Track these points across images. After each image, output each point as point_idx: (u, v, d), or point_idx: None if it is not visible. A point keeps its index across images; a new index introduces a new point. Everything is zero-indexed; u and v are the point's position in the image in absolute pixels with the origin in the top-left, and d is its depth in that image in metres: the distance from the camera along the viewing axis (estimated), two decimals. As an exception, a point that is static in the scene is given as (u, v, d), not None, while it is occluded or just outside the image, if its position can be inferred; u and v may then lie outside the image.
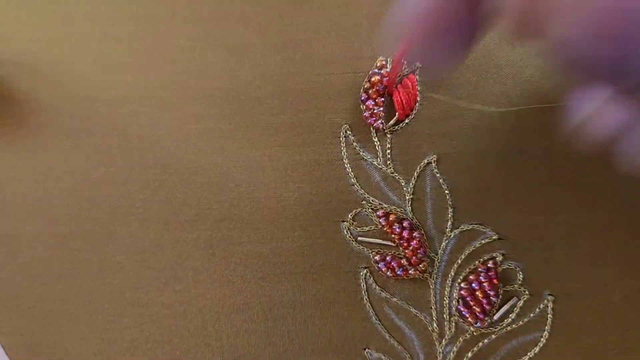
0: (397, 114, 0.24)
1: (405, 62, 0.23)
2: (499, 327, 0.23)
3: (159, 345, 0.25)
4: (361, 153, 0.24)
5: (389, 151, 0.24)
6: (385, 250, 0.24)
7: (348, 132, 0.24)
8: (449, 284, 0.24)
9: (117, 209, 0.25)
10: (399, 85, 0.23)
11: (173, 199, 0.25)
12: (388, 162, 0.24)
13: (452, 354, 0.24)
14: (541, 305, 0.23)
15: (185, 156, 0.24)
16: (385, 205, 0.24)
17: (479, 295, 0.23)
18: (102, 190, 0.25)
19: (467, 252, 0.23)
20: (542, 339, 0.23)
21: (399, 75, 0.23)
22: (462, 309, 0.23)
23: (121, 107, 0.25)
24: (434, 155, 0.24)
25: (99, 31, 0.25)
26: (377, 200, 0.24)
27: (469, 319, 0.23)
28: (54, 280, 0.25)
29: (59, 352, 0.25)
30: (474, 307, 0.23)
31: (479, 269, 0.23)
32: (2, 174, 0.25)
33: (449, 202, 0.24)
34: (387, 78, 0.23)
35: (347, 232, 0.24)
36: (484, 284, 0.23)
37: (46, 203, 0.25)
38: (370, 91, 0.23)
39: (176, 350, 0.25)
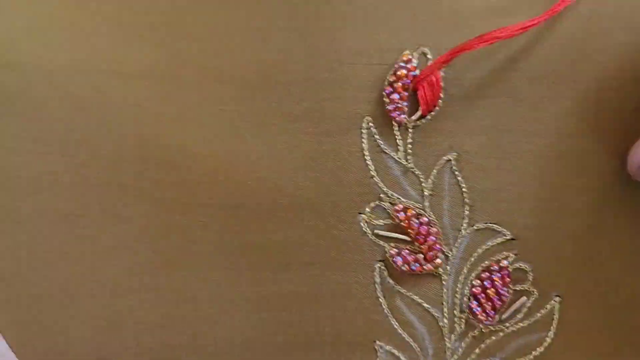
0: (420, 109, 0.24)
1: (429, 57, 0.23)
2: (507, 325, 0.24)
3: (164, 330, 0.24)
4: (382, 146, 0.24)
5: (410, 146, 0.24)
6: (401, 245, 0.24)
7: (370, 124, 0.24)
8: (462, 281, 0.24)
9: (127, 188, 0.24)
10: (424, 81, 0.23)
11: (186, 181, 0.24)
12: (408, 156, 0.24)
13: (460, 349, 0.24)
14: (548, 306, 0.24)
15: (201, 138, 0.24)
16: (404, 200, 0.24)
17: (491, 293, 0.24)
18: (111, 168, 0.24)
19: (480, 250, 0.24)
20: (547, 339, 0.24)
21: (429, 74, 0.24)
22: (473, 305, 0.24)
23: (137, 83, 0.24)
24: (454, 153, 0.24)
25: (117, 1, 0.24)
26: (395, 194, 0.24)
27: (480, 316, 0.24)
28: (56, 258, 0.24)
29: (58, 332, 0.24)
30: (485, 304, 0.24)
31: (492, 268, 0.24)
32: (3, 144, 0.24)
33: (466, 200, 0.24)
34: (414, 73, 0.23)
35: (364, 224, 0.24)
36: (496, 282, 0.24)
37: (51, 177, 0.24)
38: (395, 84, 0.23)
39: (182, 335, 0.24)
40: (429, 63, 0.24)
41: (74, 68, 0.24)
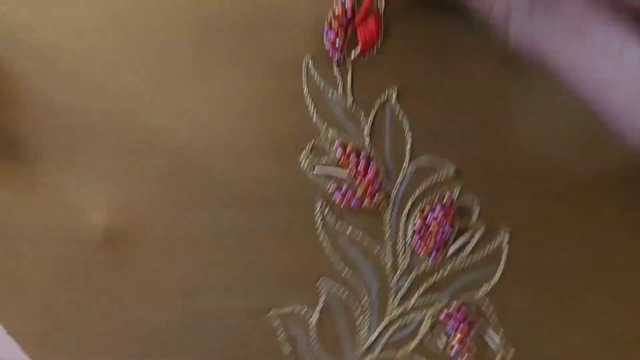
0: (359, 46, 0.24)
1: None
2: (454, 261, 0.23)
3: (111, 270, 0.25)
4: (322, 85, 0.24)
5: (350, 84, 0.24)
6: (341, 182, 0.24)
7: (310, 63, 0.24)
8: (405, 217, 0.24)
9: (78, 137, 0.25)
10: (362, 19, 0.23)
11: (132, 129, 0.25)
12: (348, 94, 0.24)
13: (405, 286, 0.23)
14: (496, 240, 0.23)
15: (146, 86, 0.24)
16: (344, 137, 0.24)
17: (434, 228, 0.23)
18: (64, 118, 0.25)
19: (423, 185, 0.23)
20: (496, 274, 0.23)
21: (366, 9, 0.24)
22: (416, 241, 0.23)
23: (92, 35, 0.25)
24: (395, 89, 0.24)
25: None
26: (335, 132, 0.24)
27: (423, 252, 0.23)
28: (10, 203, 0.25)
29: (17, 276, 0.25)
30: (428, 240, 0.23)
31: (435, 203, 0.23)
32: None
33: (408, 137, 0.24)
34: (353, 11, 0.23)
35: (304, 162, 0.24)
36: (440, 217, 0.23)
37: (9, 125, 0.25)
38: (333, 23, 0.24)
39: (129, 276, 0.24)
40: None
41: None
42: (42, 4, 0.25)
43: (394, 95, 0.23)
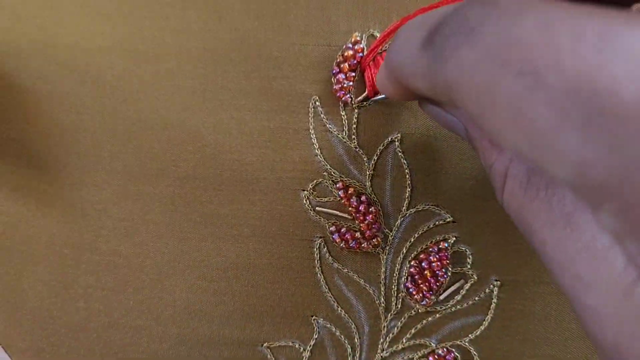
0: (366, 90, 0.24)
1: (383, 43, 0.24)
2: (444, 307, 0.24)
3: (112, 293, 0.25)
4: (327, 125, 0.24)
5: (354, 126, 0.24)
6: (341, 222, 0.24)
7: (317, 103, 0.24)
8: (400, 261, 0.24)
9: (85, 156, 0.25)
10: (371, 63, 0.24)
11: (140, 152, 0.25)
12: (353, 136, 0.24)
13: (396, 328, 0.24)
14: (487, 289, 0.24)
15: (156, 111, 0.25)
16: (346, 179, 0.24)
17: (428, 274, 0.24)
18: (71, 136, 0.25)
19: (420, 231, 0.24)
20: (484, 322, 0.24)
21: (374, 54, 0.24)
22: (409, 285, 0.24)
23: (98, 57, 0.25)
24: (398, 134, 0.24)
25: None
26: (338, 173, 0.24)
27: (416, 297, 0.24)
28: (17, 220, 0.25)
29: (15, 291, 0.25)
30: (422, 285, 0.24)
31: (431, 249, 0.24)
32: None
33: (408, 182, 0.24)
34: (361, 54, 0.24)
35: (306, 200, 0.24)
36: (434, 263, 0.24)
37: (17, 143, 0.25)
38: (342, 65, 0.24)
39: (130, 300, 0.25)
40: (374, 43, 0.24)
41: (43, 43, 0.25)
42: (53, 23, 0.25)
43: (398, 141, 0.24)
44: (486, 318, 0.24)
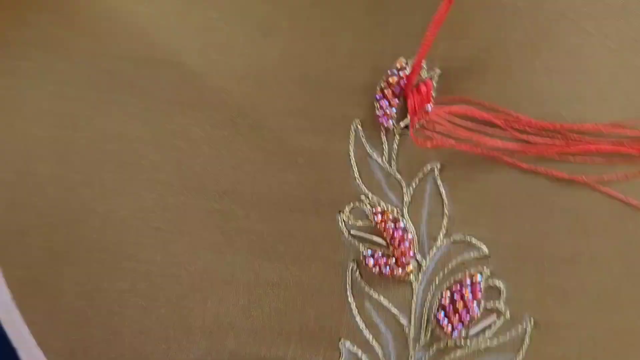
0: (408, 117, 0.24)
1: (424, 66, 0.24)
2: (475, 342, 0.23)
3: (145, 300, 0.25)
4: (368, 149, 0.24)
5: (395, 152, 0.24)
6: (375, 247, 0.24)
7: (359, 127, 0.24)
8: (432, 291, 0.24)
9: (128, 165, 0.26)
10: (414, 89, 0.24)
11: (181, 164, 0.25)
12: (393, 162, 0.24)
13: (423, 359, 0.24)
14: (520, 328, 0.23)
15: (199, 126, 0.25)
16: (383, 204, 0.24)
17: (460, 307, 0.23)
18: (115, 146, 0.26)
19: (455, 262, 0.24)
20: (515, 361, 0.23)
21: (417, 80, 0.24)
22: (440, 317, 0.23)
23: (146, 69, 0.26)
24: (438, 163, 0.24)
25: None
26: (375, 197, 0.24)
27: (446, 329, 0.23)
28: (60, 223, 0.26)
29: (54, 292, 0.26)
30: (453, 317, 0.23)
31: (464, 281, 0.23)
32: (25, 115, 0.26)
33: (446, 211, 0.24)
34: (405, 80, 0.24)
35: (342, 223, 0.24)
36: (467, 296, 0.23)
37: (63, 148, 0.26)
38: (385, 91, 0.24)
39: (161, 308, 0.25)
40: (423, 72, 0.24)
41: (99, 53, 0.26)
42: (106, 34, 0.26)
43: (437, 169, 0.24)
44: (516, 358, 0.23)
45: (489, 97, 0.24)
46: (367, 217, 0.24)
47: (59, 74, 0.26)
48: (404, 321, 0.24)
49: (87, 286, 0.26)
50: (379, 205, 0.24)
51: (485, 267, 0.23)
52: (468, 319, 0.23)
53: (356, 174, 0.24)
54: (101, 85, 0.26)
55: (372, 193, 0.24)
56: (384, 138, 0.24)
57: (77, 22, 0.26)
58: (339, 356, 0.24)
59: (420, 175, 0.24)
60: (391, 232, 0.24)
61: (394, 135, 0.24)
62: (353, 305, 0.24)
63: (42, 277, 0.26)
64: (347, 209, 0.24)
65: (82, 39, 0.26)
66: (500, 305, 0.23)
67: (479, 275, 0.23)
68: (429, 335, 0.24)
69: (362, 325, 0.24)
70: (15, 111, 0.26)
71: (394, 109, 0.24)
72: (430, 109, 0.23)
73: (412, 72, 0.23)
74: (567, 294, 0.23)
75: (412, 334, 0.24)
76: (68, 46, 0.26)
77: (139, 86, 0.26)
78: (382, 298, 0.24)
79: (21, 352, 0.26)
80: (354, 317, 0.24)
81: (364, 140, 0.24)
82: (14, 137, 0.26)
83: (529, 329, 0.23)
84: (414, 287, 0.24)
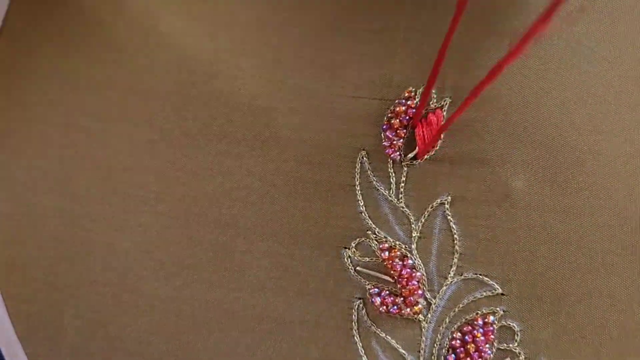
0: (417, 148, 0.23)
1: (434, 95, 0.23)
2: (487, 386, 0.22)
3: (148, 336, 0.25)
4: (374, 182, 0.23)
5: (402, 185, 0.23)
6: (382, 285, 0.23)
7: (365, 158, 0.23)
8: (442, 331, 0.23)
9: (131, 197, 0.25)
10: (423, 120, 0.23)
11: (185, 197, 0.25)
12: (400, 195, 0.23)
13: (433, 403, 0.23)
14: (535, 371, 0.22)
15: (203, 157, 0.24)
16: (391, 240, 0.23)
17: (471, 348, 0.22)
18: (120, 177, 0.25)
19: (466, 301, 0.22)
20: (530, 407, 0.22)
21: (426, 110, 0.23)
22: (450, 359, 0.22)
23: (152, 100, 0.25)
24: (448, 197, 0.23)
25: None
26: (382, 233, 0.23)
27: (457, 371, 0.22)
28: (62, 256, 0.25)
29: (56, 326, 0.25)
30: (464, 359, 0.22)
31: (476, 322, 0.22)
32: (30, 147, 0.26)
33: (456, 247, 0.23)
34: (414, 110, 0.23)
35: (347, 259, 0.23)
36: (478, 338, 0.22)
37: (67, 180, 0.26)
38: (392, 121, 0.23)
39: (164, 344, 0.25)
40: (432, 102, 0.23)
41: (102, 83, 0.26)
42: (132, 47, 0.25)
43: (448, 203, 0.23)
44: (532, 402, 0.22)
45: (500, 126, 0.22)
46: (373, 253, 0.23)
47: (67, 105, 0.26)
48: (412, 362, 0.23)
49: (88, 321, 0.25)
50: (386, 241, 0.23)
51: (498, 307, 0.22)
52: (480, 361, 0.22)
53: (362, 208, 0.23)
54: (109, 116, 0.25)
55: (379, 228, 0.23)
56: (391, 170, 0.23)
57: (86, 53, 0.26)
58: (345, 397, 0.23)
59: (430, 209, 0.23)
60: (399, 270, 0.23)
61: (402, 167, 0.23)
62: (359, 345, 0.23)
63: (45, 310, 0.26)
64: (352, 245, 0.23)
65: (91, 71, 0.25)
66: (515, 346, 0.22)
67: (491, 316, 0.22)
68: (439, 377, 0.23)
69: (368, 365, 0.23)
70: (23, 142, 0.26)
71: (400, 140, 0.23)
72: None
73: (421, 101, 0.22)
74: (583, 334, 0.22)
75: (421, 376, 0.23)
76: (77, 77, 0.26)
77: (145, 118, 0.25)
78: (389, 338, 0.23)
79: (23, 386, 0.25)
80: (360, 357, 0.23)
81: (370, 172, 0.23)
82: (19, 169, 0.26)
83: (544, 373, 0.22)
84: (422, 326, 0.23)
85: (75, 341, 0.25)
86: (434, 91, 0.23)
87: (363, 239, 0.23)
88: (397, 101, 0.23)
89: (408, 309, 0.22)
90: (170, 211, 0.25)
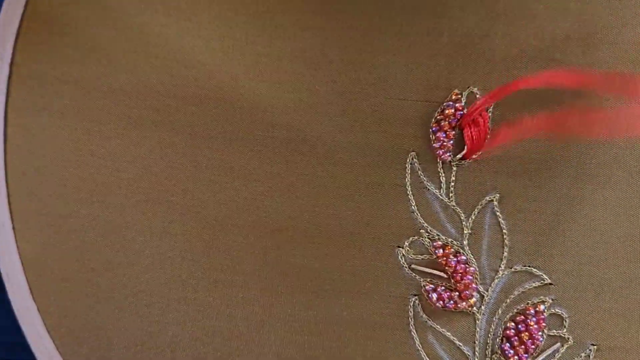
0: (465, 148, 0.24)
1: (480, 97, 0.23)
2: (540, 371, 0.24)
3: (200, 344, 0.25)
4: (425, 182, 0.24)
5: (452, 184, 0.24)
6: (437, 281, 0.24)
7: (414, 159, 0.24)
8: (496, 322, 0.24)
9: (174, 205, 0.25)
10: (471, 122, 0.24)
11: (231, 202, 0.25)
12: (450, 194, 0.24)
13: (490, 390, 0.24)
14: (583, 354, 0.23)
15: (248, 162, 0.24)
16: (443, 237, 0.24)
17: (525, 336, 0.23)
18: (161, 185, 0.25)
19: (517, 292, 0.24)
20: (580, 388, 0.24)
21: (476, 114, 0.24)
22: (505, 347, 0.23)
23: (192, 105, 0.25)
24: (497, 194, 0.24)
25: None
26: (435, 231, 0.24)
27: (512, 359, 0.24)
28: (103, 267, 0.25)
29: (101, 339, 0.25)
30: (518, 347, 0.23)
31: (528, 311, 0.23)
32: (65, 157, 0.25)
33: (506, 242, 0.24)
34: (461, 112, 0.24)
35: (401, 258, 0.24)
36: (531, 326, 0.23)
37: (104, 189, 0.25)
38: (442, 122, 0.24)
39: (218, 352, 0.24)
40: (477, 102, 0.24)
41: (136, 88, 0.25)
42: (148, 69, 0.25)
43: (496, 200, 0.24)
44: (581, 383, 0.24)
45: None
46: (427, 250, 0.24)
47: (96, 112, 0.25)
48: (468, 353, 0.24)
49: (135, 333, 0.25)
50: (439, 238, 0.24)
51: (547, 296, 0.23)
52: (533, 348, 0.23)
53: (414, 207, 0.24)
54: (144, 122, 0.25)
55: (431, 226, 0.24)
56: (440, 170, 0.24)
57: (114, 58, 0.25)
58: (405, 391, 0.24)
59: (479, 206, 0.24)
60: (453, 266, 0.23)
61: (451, 167, 0.24)
62: (416, 340, 0.24)
63: (87, 324, 0.25)
64: (406, 244, 0.24)
65: (121, 76, 0.24)
66: (564, 332, 0.23)
67: (542, 305, 0.23)
68: (494, 366, 0.24)
69: (426, 359, 0.24)
70: (52, 152, 0.25)
71: (451, 141, 0.24)
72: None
73: (474, 105, 0.23)
74: (627, 318, 0.23)
75: (477, 366, 0.24)
76: (105, 82, 0.25)
77: (184, 123, 0.24)
78: (445, 331, 0.24)
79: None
80: (418, 351, 0.24)
81: (420, 172, 0.24)
82: (52, 179, 0.25)
83: (592, 355, 0.23)
84: (477, 318, 0.24)
85: (122, 355, 0.25)
86: (478, 92, 0.23)
87: (416, 237, 0.24)
88: (445, 104, 0.23)
89: (464, 303, 0.23)
90: (216, 217, 0.24)
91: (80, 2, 0.25)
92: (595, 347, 0.23)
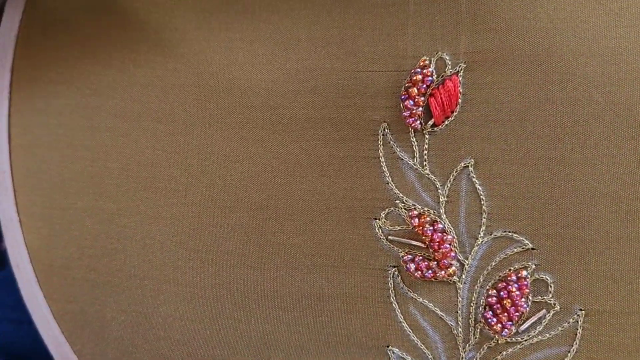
0: (436, 114, 0.23)
1: (449, 62, 0.23)
2: (525, 338, 0.23)
3: (190, 323, 0.25)
4: (398, 152, 0.24)
5: (426, 152, 0.24)
6: (415, 251, 0.24)
7: (386, 130, 0.24)
8: (477, 290, 0.23)
9: (161, 191, 0.26)
10: (440, 86, 0.23)
11: (214, 185, 0.25)
12: (424, 163, 0.24)
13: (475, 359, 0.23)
14: (571, 320, 0.23)
15: (227, 144, 0.25)
16: (419, 206, 0.24)
17: (507, 303, 0.23)
18: (148, 172, 0.26)
19: (498, 259, 0.23)
20: (569, 354, 0.23)
21: (442, 76, 0.23)
22: (488, 316, 0.23)
23: (172, 94, 0.25)
24: (472, 159, 0.23)
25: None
26: (410, 201, 0.24)
27: (495, 327, 0.23)
28: (100, 253, 0.26)
29: (100, 322, 0.26)
30: (501, 315, 0.23)
31: (510, 278, 0.23)
32: (63, 152, 0.27)
33: (484, 208, 0.23)
34: (430, 78, 0.23)
35: (378, 229, 0.24)
36: (514, 292, 0.23)
37: (97, 180, 0.26)
38: (410, 90, 0.23)
39: (207, 329, 0.25)
40: (447, 69, 0.23)
41: (125, 83, 0.26)
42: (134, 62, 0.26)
43: (471, 166, 0.23)
44: (571, 350, 0.22)
45: (515, 86, 0.23)
46: (403, 221, 0.24)
47: (89, 109, 0.26)
48: (451, 323, 0.23)
49: (131, 314, 0.26)
50: (415, 208, 0.24)
51: (530, 261, 0.23)
52: (517, 315, 0.23)
53: (388, 179, 0.24)
54: (130, 114, 0.26)
55: (406, 196, 0.24)
56: (413, 139, 0.23)
57: (102, 55, 0.26)
58: (389, 363, 0.24)
59: (454, 173, 0.23)
60: (430, 235, 0.23)
61: (423, 135, 0.24)
62: (398, 311, 0.24)
63: (88, 308, 0.26)
64: (382, 215, 0.24)
65: (109, 72, 0.26)
66: (549, 298, 0.23)
67: (524, 271, 0.23)
68: (478, 334, 0.23)
69: (408, 330, 0.24)
70: (50, 148, 0.27)
71: (420, 108, 0.23)
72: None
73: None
74: (615, 280, 0.22)
75: (461, 335, 0.23)
76: (94, 80, 0.26)
77: (166, 111, 0.25)
78: (426, 301, 0.23)
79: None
80: (400, 323, 0.24)
81: (392, 143, 0.24)
82: (51, 174, 0.27)
83: (580, 320, 0.22)
84: (458, 287, 0.23)
85: (120, 335, 0.26)
86: (448, 57, 0.23)
87: (392, 208, 0.24)
88: (413, 70, 0.23)
89: (442, 272, 0.23)
90: (200, 200, 0.25)
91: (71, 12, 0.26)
92: (583, 312, 0.22)
